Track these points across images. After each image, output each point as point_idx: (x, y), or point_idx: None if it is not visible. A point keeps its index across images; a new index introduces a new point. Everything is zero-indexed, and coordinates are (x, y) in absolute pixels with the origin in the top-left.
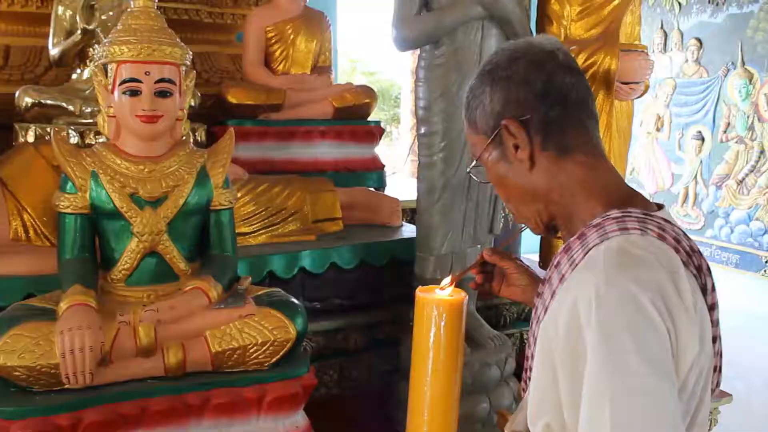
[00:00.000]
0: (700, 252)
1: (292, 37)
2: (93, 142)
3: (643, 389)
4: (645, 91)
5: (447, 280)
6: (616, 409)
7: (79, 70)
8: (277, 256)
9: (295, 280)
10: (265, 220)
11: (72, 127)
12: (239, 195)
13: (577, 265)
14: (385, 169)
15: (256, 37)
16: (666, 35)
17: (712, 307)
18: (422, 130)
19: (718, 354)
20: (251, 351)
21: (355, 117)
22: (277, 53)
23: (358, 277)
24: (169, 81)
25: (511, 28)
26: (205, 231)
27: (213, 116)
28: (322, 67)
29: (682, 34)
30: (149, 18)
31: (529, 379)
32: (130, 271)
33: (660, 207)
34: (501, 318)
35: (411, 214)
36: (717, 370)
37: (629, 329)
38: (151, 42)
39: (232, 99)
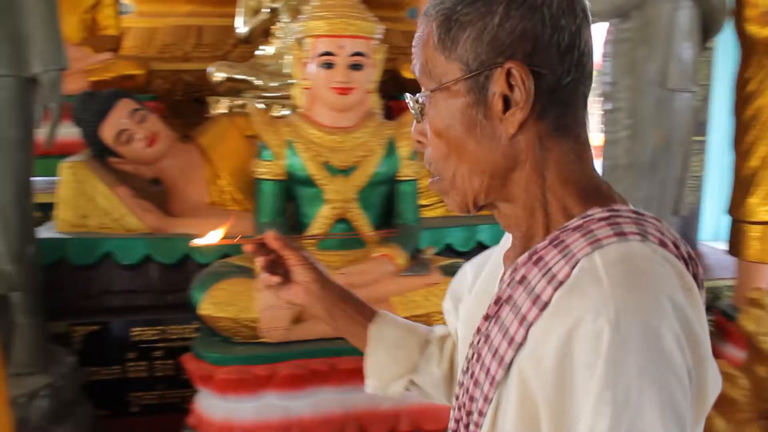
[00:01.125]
0: (696, 259)
1: None
2: (278, 114)
3: None
4: None
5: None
6: None
7: (264, 47)
8: (455, 228)
9: (472, 253)
10: None
11: (259, 100)
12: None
13: (561, 282)
14: None
15: None
16: None
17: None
18: (607, 107)
19: None
20: (436, 318)
21: None
22: None
23: None
24: (362, 54)
25: None
26: (390, 200)
27: (387, 91)
28: None
29: None
30: None
31: (468, 426)
32: None
33: (623, 201)
34: None
35: None
36: None
37: (649, 376)
38: (345, 17)
39: (406, 74)
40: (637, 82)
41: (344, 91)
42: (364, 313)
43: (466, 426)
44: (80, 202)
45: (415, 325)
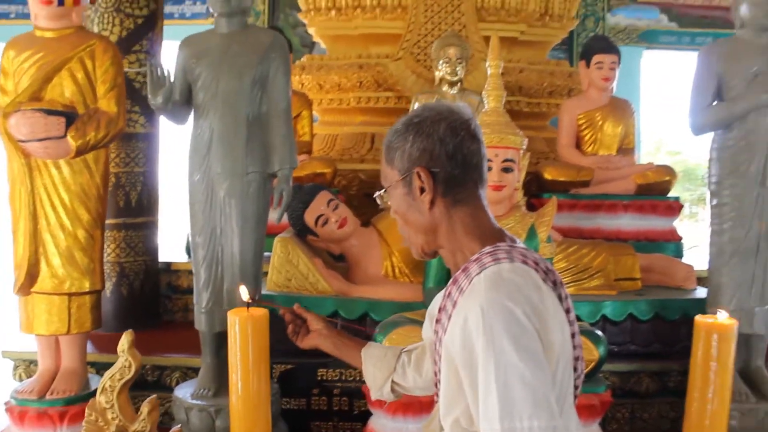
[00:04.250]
0: (554, 270)
1: (600, 122)
2: None
3: (522, 377)
4: None
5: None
6: (502, 395)
7: None
8: (583, 303)
9: (596, 325)
10: (574, 275)
11: None
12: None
13: (464, 291)
14: (682, 241)
15: (569, 123)
16: None
17: (568, 311)
18: (714, 202)
19: (579, 346)
20: None
21: (655, 193)
22: (587, 137)
23: (653, 328)
24: (511, 160)
25: None
26: None
27: (529, 190)
28: (626, 149)
29: None
30: (498, 115)
31: (439, 389)
32: None
33: (513, 240)
34: None
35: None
36: (579, 359)
37: (507, 333)
38: (499, 132)
39: (547, 176)
40: (740, 182)
41: (498, 188)
42: (360, 344)
43: (437, 393)
44: (287, 268)
45: (392, 347)
